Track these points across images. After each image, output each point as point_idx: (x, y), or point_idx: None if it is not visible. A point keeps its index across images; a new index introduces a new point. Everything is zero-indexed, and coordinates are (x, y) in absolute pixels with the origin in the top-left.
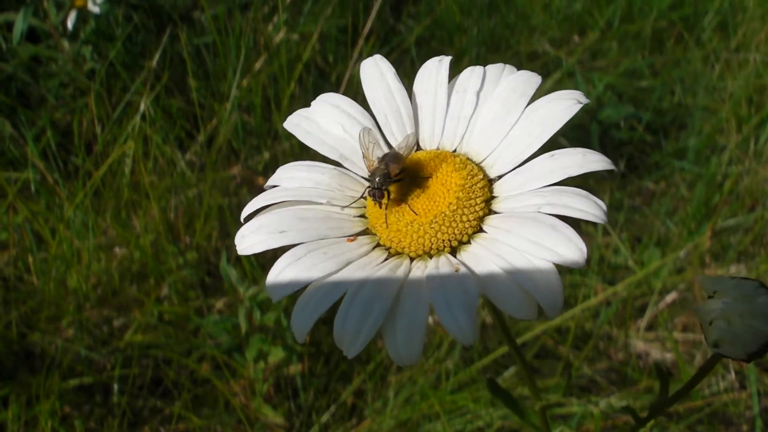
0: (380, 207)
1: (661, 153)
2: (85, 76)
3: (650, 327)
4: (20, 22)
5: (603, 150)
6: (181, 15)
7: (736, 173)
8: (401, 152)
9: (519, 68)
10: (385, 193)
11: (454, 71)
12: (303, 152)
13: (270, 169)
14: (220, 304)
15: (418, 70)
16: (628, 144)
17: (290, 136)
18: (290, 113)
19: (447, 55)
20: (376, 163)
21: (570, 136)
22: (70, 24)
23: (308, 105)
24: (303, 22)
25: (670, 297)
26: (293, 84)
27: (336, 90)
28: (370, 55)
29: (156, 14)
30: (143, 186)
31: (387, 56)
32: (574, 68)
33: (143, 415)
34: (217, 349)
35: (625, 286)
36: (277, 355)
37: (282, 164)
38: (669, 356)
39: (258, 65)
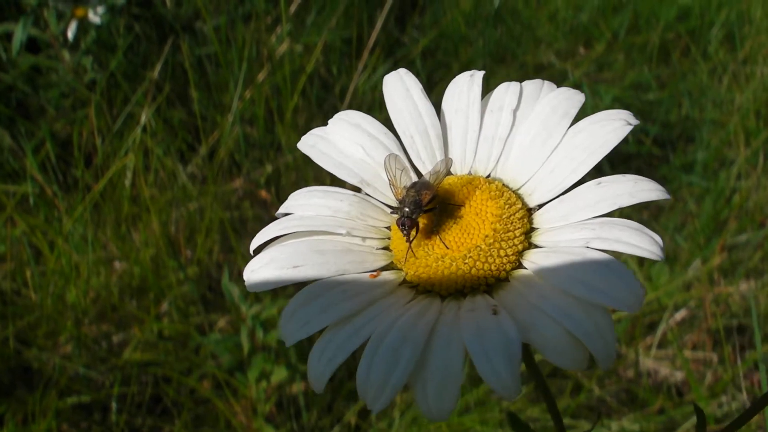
0: (407, 239)
1: (668, 167)
2: (86, 86)
3: (660, 345)
4: (20, 32)
5: (610, 164)
6: (183, 25)
7: (746, 188)
8: (433, 178)
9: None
10: (416, 223)
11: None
12: (307, 165)
13: (272, 182)
14: (222, 322)
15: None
16: (636, 157)
17: (293, 149)
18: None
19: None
20: (404, 191)
21: None
22: (70, 34)
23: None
24: (307, 33)
25: (680, 314)
26: (296, 96)
27: (339, 102)
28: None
29: (158, 24)
30: (144, 199)
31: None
32: (580, 80)
33: None
34: (218, 367)
35: None
36: (279, 374)
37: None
38: (679, 375)
39: (261, 76)
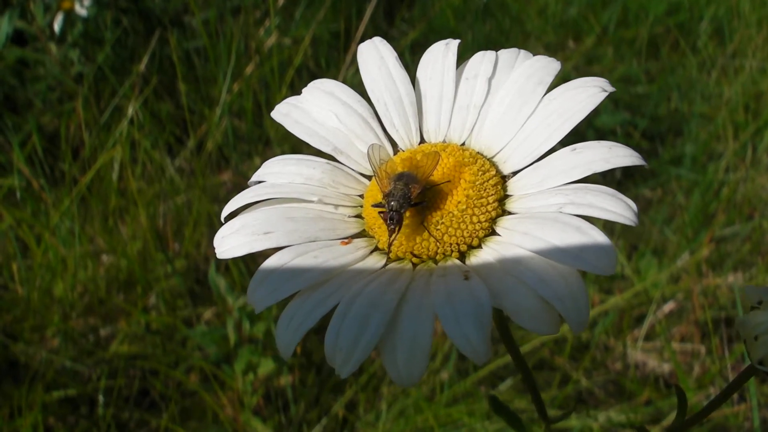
0: (391, 234)
1: (657, 160)
2: (73, 79)
3: (648, 337)
4: (6, 24)
5: None
6: (171, 19)
7: (734, 181)
8: (420, 172)
9: None
10: (402, 218)
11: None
12: None
13: None
14: (208, 314)
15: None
16: None
17: (282, 142)
18: None
19: None
20: (391, 183)
21: (565, 142)
22: (57, 27)
23: None
24: (295, 27)
25: (668, 307)
26: (285, 89)
27: None
28: None
29: (145, 18)
30: (131, 192)
31: None
32: (570, 74)
33: (129, 428)
34: (205, 360)
35: (623, 296)
36: (266, 366)
37: None
38: (667, 366)
39: (249, 69)
